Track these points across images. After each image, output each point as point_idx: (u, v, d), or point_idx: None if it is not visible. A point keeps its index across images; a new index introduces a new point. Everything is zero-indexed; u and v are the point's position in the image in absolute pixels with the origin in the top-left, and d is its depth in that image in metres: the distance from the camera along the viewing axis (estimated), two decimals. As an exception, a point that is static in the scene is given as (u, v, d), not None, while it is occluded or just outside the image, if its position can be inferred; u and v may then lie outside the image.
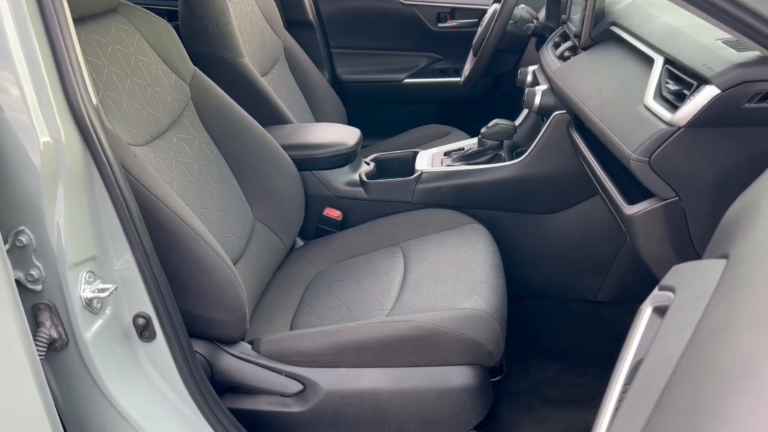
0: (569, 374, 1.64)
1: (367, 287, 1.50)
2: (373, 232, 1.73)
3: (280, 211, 1.69)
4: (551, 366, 1.66)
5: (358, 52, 2.63)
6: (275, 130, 1.85)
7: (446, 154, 1.90)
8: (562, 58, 1.66)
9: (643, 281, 1.15)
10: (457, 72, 2.58)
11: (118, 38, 1.39)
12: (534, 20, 1.98)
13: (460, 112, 2.65)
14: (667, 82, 1.09)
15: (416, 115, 2.63)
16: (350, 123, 2.48)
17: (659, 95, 1.09)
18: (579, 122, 1.48)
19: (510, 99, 2.54)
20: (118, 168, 1.06)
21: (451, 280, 1.43)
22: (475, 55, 2.10)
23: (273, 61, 2.24)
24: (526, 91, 1.71)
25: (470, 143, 1.93)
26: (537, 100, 1.63)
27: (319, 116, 2.36)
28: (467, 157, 1.80)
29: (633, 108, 1.13)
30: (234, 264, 1.50)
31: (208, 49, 1.91)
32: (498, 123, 1.75)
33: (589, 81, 1.37)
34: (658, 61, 1.14)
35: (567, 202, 1.69)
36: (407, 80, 2.58)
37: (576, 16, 1.68)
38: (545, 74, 1.73)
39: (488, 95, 2.47)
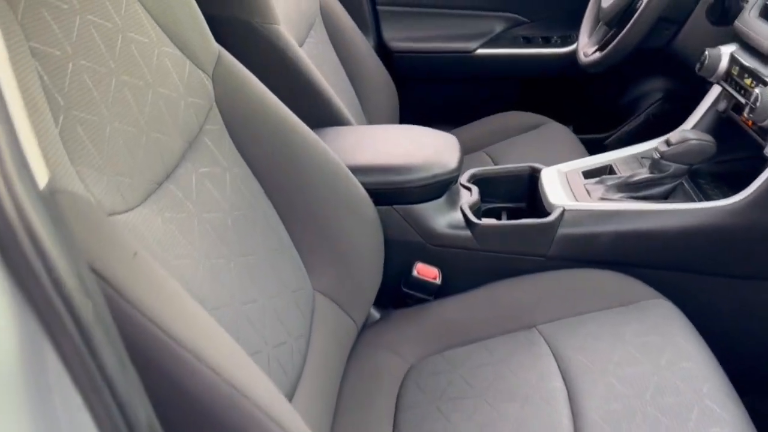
0: None
1: (506, 416, 0.91)
2: (490, 305, 1.12)
3: (350, 275, 1.07)
4: None
5: (413, 11, 1.96)
6: (331, 139, 1.22)
7: (588, 175, 1.28)
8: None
9: None
10: (547, 40, 1.94)
11: (97, 2, 0.74)
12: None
13: (553, 95, 2.01)
14: None
15: (491, 99, 1.99)
16: (402, 107, 1.84)
17: None
18: None
19: (630, 83, 1.91)
20: (105, 328, 0.43)
21: (667, 422, 0.84)
22: (608, 24, 1.46)
23: (309, 25, 1.58)
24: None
25: (619, 156, 1.30)
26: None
27: (362, 99, 1.72)
28: (633, 187, 1.18)
29: None
30: (295, 386, 0.89)
31: (226, 12, 1.25)
32: (687, 137, 1.12)
33: None
34: None
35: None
36: (480, 51, 1.92)
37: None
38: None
39: (602, 77, 1.82)
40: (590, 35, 1.56)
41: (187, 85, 0.88)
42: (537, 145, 1.71)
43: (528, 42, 1.93)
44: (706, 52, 1.22)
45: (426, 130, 1.30)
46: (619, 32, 1.41)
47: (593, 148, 1.73)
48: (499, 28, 1.94)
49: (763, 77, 1.07)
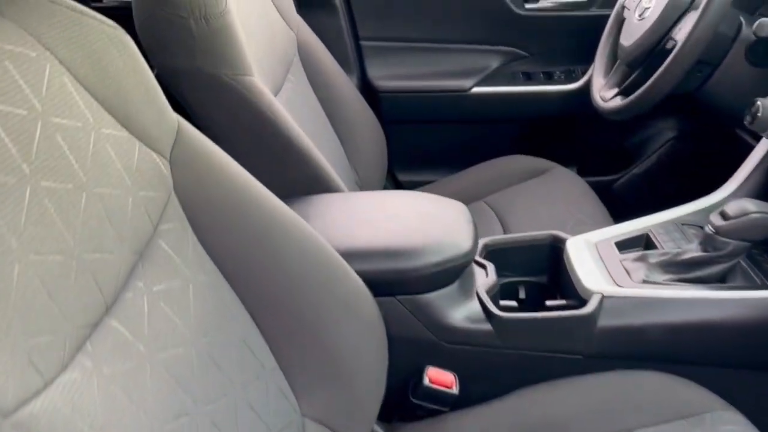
0: None
1: None
2: (518, 418, 0.92)
3: (348, 391, 0.86)
4: None
5: (400, 46, 1.76)
6: (318, 214, 1.01)
7: (622, 246, 1.08)
8: None
9: None
10: (549, 76, 1.76)
11: (4, 80, 0.53)
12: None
13: (556, 135, 1.83)
14: None
15: (490, 142, 1.80)
16: (391, 152, 1.64)
17: None
18: None
19: (640, 121, 1.74)
20: None
21: None
22: (629, 64, 1.28)
23: (286, 67, 1.38)
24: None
25: (656, 223, 1.11)
26: None
27: (347, 146, 1.52)
28: (682, 267, 0.99)
29: None
30: None
31: (188, 63, 1.04)
32: (748, 208, 0.94)
33: None
34: None
35: None
36: (476, 89, 1.73)
37: None
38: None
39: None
40: (606, 75, 1.38)
41: (137, 174, 0.67)
42: (545, 195, 1.52)
43: (528, 78, 1.75)
44: (759, 103, 1.04)
45: (429, 198, 1.10)
46: (646, 75, 1.23)
47: (602, 192, 1.55)
48: (495, 63, 1.75)
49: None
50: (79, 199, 0.59)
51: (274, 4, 1.38)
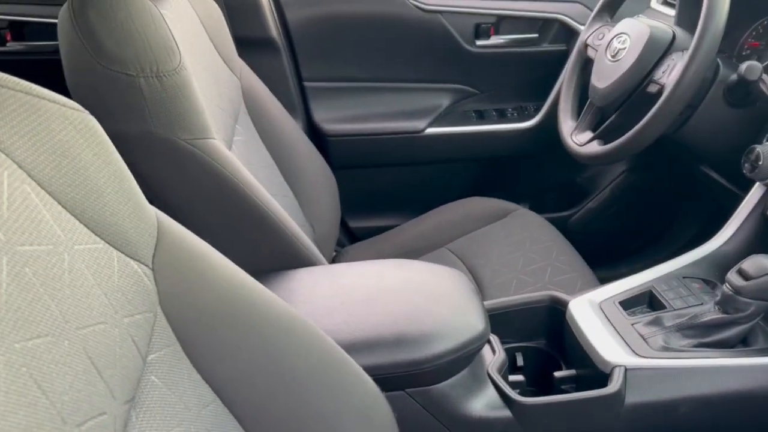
0: None
1: None
2: None
3: None
4: None
5: (347, 86, 1.64)
6: (304, 297, 0.88)
7: (627, 306, 1.01)
8: None
9: None
10: (502, 114, 1.70)
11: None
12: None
13: (510, 174, 1.76)
14: None
15: (446, 184, 1.71)
16: (343, 199, 1.53)
17: None
18: None
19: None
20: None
21: None
22: (604, 107, 1.23)
23: (234, 118, 1.23)
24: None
25: (657, 277, 1.05)
26: None
27: (299, 195, 1.38)
28: (701, 331, 0.92)
29: None
30: None
31: (138, 127, 0.88)
32: (766, 266, 0.89)
33: None
34: None
35: None
36: (430, 130, 1.65)
37: None
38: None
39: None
40: (575, 117, 1.33)
41: (119, 296, 0.52)
42: (512, 239, 1.44)
43: (481, 117, 1.68)
44: (759, 150, 1.00)
45: (425, 267, 0.98)
46: (625, 118, 1.18)
47: (560, 229, 1.50)
48: (446, 102, 1.67)
49: None
50: (61, 353, 0.44)
51: (216, 49, 1.24)
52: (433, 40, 1.60)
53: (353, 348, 0.76)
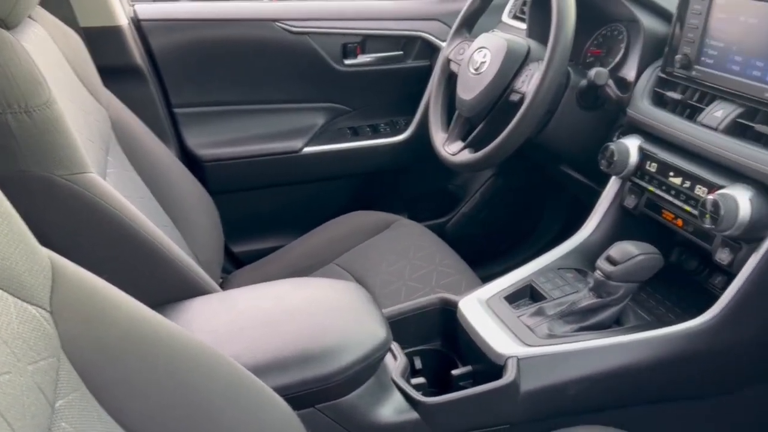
0: None
1: None
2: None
3: None
4: None
5: (218, 110, 1.63)
6: (205, 325, 0.87)
7: (512, 299, 1.08)
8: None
9: None
10: (375, 129, 1.75)
11: None
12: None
13: (387, 186, 1.81)
14: None
15: (327, 201, 1.73)
16: (225, 224, 1.51)
17: None
18: None
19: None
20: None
21: None
22: (472, 117, 1.30)
23: (105, 151, 1.19)
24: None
25: (534, 271, 1.13)
26: (743, 212, 0.89)
27: (179, 225, 1.35)
28: (580, 316, 1.01)
29: None
30: None
31: (9, 166, 0.83)
32: (632, 251, 0.98)
33: None
34: None
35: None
36: (308, 149, 1.66)
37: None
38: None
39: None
40: (446, 128, 1.40)
41: (20, 343, 0.50)
42: (396, 249, 1.49)
43: (356, 134, 1.72)
44: (612, 147, 1.11)
45: (320, 284, 1.00)
46: (493, 127, 1.26)
47: (439, 235, 1.57)
48: (321, 121, 1.70)
49: (703, 179, 0.98)
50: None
51: (80, 80, 1.19)
52: (302, 61, 1.62)
53: (259, 371, 0.76)
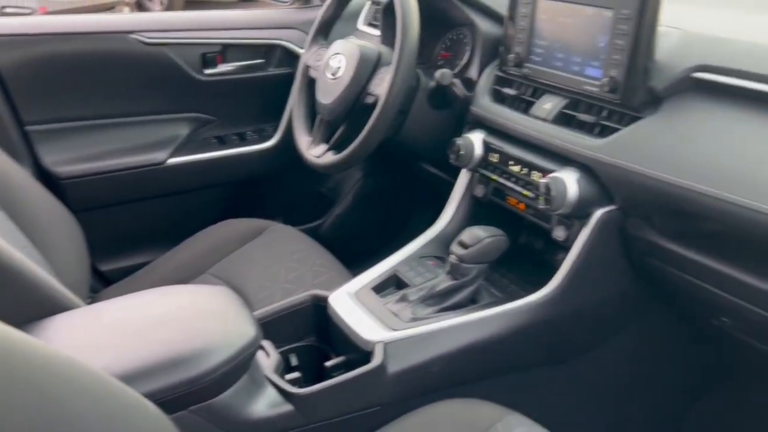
0: None
1: None
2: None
3: None
4: None
5: (74, 126, 1.58)
6: (71, 341, 0.86)
7: (379, 290, 1.14)
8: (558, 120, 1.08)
9: None
10: (242, 137, 1.76)
11: None
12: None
13: (260, 193, 1.83)
14: None
15: (195, 211, 1.72)
16: (89, 241, 1.47)
17: None
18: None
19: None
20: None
21: None
22: (332, 121, 1.35)
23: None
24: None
25: (399, 261, 1.20)
26: (572, 193, 1.00)
27: (41, 248, 1.31)
28: (439, 298, 1.08)
29: None
30: None
31: None
32: (480, 235, 1.07)
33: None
34: None
35: (606, 333, 1.13)
36: (172, 160, 1.65)
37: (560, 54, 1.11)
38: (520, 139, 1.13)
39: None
40: (309, 132, 1.44)
41: None
42: (270, 254, 1.52)
43: (222, 142, 1.73)
44: (459, 142, 1.20)
45: (186, 290, 1.01)
46: (352, 128, 1.31)
47: (314, 237, 1.62)
48: (185, 131, 1.69)
49: (537, 165, 1.08)
50: None
51: None
52: (161, 72, 1.61)
53: (128, 379, 0.76)
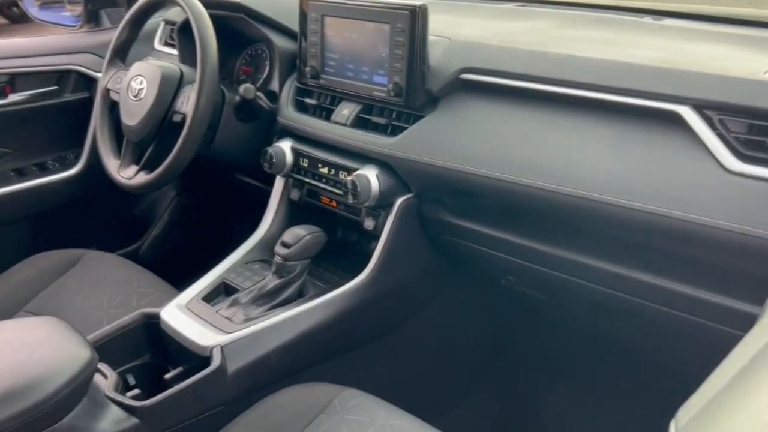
0: None
1: None
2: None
3: None
4: None
5: None
6: None
7: (209, 299, 1.19)
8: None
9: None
10: (43, 167, 1.70)
11: None
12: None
13: (71, 222, 1.76)
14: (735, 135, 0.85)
15: (4, 248, 1.63)
16: None
17: (740, 154, 0.84)
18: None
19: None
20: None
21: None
22: (140, 141, 1.37)
23: None
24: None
25: (225, 270, 1.25)
26: (374, 187, 1.13)
27: None
28: (268, 297, 1.16)
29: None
30: None
31: None
32: (300, 233, 1.16)
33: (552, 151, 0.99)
34: (688, 113, 0.88)
35: (417, 307, 1.27)
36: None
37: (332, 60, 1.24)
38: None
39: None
40: (117, 155, 1.43)
41: None
42: (90, 282, 1.49)
43: (22, 174, 1.65)
44: (270, 150, 1.29)
45: (10, 324, 0.99)
46: (162, 147, 1.34)
47: (135, 261, 1.62)
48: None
49: (342, 165, 1.20)
50: None
51: None
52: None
53: None
